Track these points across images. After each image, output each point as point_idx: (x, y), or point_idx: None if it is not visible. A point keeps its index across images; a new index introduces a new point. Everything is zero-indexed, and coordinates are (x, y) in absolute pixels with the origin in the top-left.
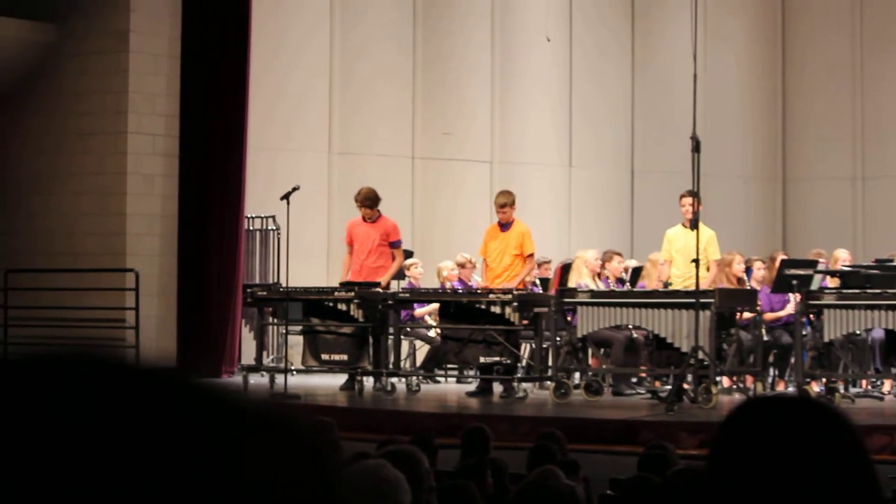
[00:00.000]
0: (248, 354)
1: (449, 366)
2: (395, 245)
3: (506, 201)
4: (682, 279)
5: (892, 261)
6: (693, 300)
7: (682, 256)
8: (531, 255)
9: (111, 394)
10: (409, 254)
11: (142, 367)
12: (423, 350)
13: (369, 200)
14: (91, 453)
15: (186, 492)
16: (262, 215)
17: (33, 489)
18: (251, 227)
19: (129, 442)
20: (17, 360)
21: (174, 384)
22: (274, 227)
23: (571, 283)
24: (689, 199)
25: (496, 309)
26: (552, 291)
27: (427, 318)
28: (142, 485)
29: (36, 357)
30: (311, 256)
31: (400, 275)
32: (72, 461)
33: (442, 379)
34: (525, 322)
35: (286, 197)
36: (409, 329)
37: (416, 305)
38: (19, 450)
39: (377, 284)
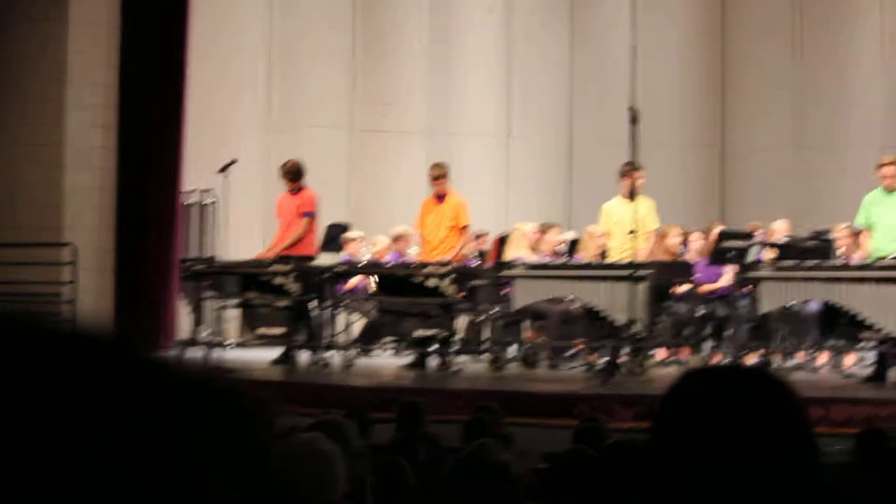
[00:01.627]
0: (184, 328)
1: (385, 339)
2: (304, 215)
3: (439, 173)
4: (620, 251)
5: (829, 232)
6: (629, 272)
7: (621, 229)
8: (466, 227)
9: (40, 356)
10: (344, 228)
11: (77, 333)
12: (358, 324)
13: (290, 174)
14: (23, 413)
15: (116, 458)
16: (200, 189)
17: None
18: (189, 201)
19: (61, 406)
20: None
21: (110, 352)
22: (212, 201)
23: (508, 256)
24: (631, 173)
25: (432, 282)
26: (489, 264)
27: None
28: (70, 447)
29: None
30: (249, 230)
31: (337, 248)
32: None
33: (377, 353)
34: (461, 295)
35: (224, 170)
36: (345, 303)
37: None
38: None
39: (313, 258)
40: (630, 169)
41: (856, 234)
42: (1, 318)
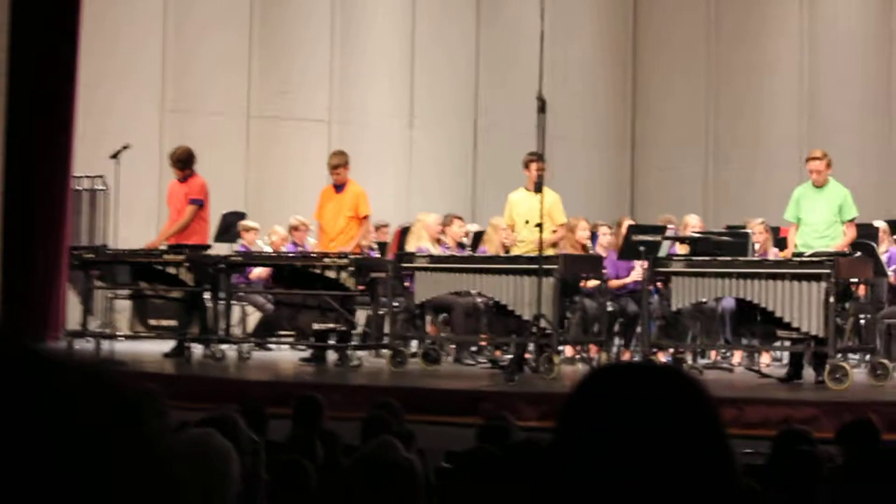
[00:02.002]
0: (73, 319)
1: (282, 332)
2: (192, 202)
3: (339, 162)
4: (525, 244)
5: (744, 228)
6: (535, 266)
7: (525, 221)
8: (366, 217)
9: None
10: (240, 216)
11: None
12: (254, 316)
13: (180, 161)
14: None
15: (3, 453)
16: (91, 175)
17: None
18: (79, 187)
19: None
20: None
21: None
22: (103, 188)
23: (410, 248)
24: (536, 164)
25: (331, 273)
26: (390, 256)
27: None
28: None
29: None
30: (141, 218)
31: (233, 237)
32: None
33: (274, 346)
34: (361, 287)
35: (115, 156)
36: (240, 294)
37: (248, 269)
38: None
39: (208, 247)
40: (531, 159)
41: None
42: None
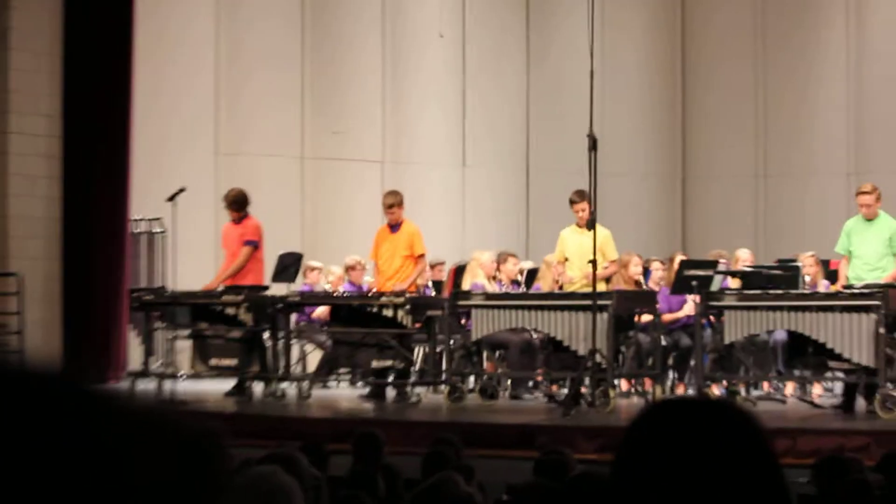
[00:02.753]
0: (135, 360)
1: (341, 370)
2: (247, 244)
3: (393, 202)
4: (579, 280)
5: (795, 261)
6: (590, 302)
7: (578, 258)
8: (422, 256)
9: None
10: (297, 257)
11: (28, 369)
12: (314, 355)
13: (236, 204)
14: None
15: (73, 494)
16: (148, 217)
17: None
18: (137, 230)
19: (13, 444)
20: None
21: (61, 387)
22: (160, 230)
23: (466, 286)
24: (580, 205)
25: (388, 312)
26: (446, 294)
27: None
28: (27, 486)
29: None
30: (199, 259)
31: (290, 277)
32: None
33: (334, 384)
34: (418, 325)
35: (172, 198)
36: (300, 333)
37: (308, 308)
38: None
39: (266, 288)
40: (573, 199)
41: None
42: None
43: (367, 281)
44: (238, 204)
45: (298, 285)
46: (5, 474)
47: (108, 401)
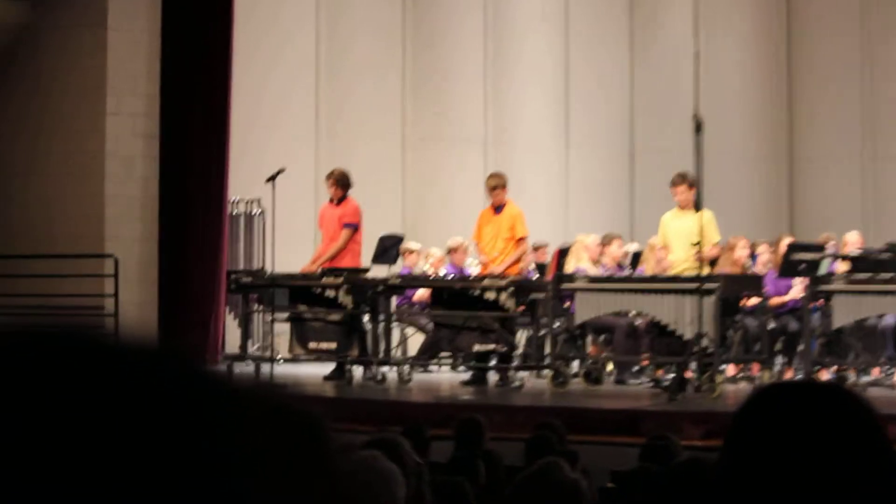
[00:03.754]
0: (232, 343)
1: (442, 354)
2: (346, 226)
3: (496, 184)
4: (681, 263)
5: None
6: (696, 286)
7: (679, 241)
8: (523, 239)
9: (97, 373)
10: (397, 239)
11: (128, 345)
12: (415, 339)
13: (339, 183)
14: (76, 434)
15: (181, 474)
16: (247, 199)
17: (18, 474)
18: (235, 212)
19: (118, 424)
20: None
21: (164, 364)
22: (259, 211)
23: (569, 268)
24: (680, 187)
25: (491, 295)
26: (549, 277)
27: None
28: (133, 468)
29: (20, 331)
30: (298, 241)
31: (390, 260)
32: (57, 444)
33: (435, 368)
34: (521, 309)
35: (272, 179)
36: (401, 316)
37: (409, 291)
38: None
39: (366, 270)
40: (676, 182)
41: None
42: (46, 334)
43: (472, 263)
44: (342, 183)
45: (398, 268)
46: (106, 454)
47: (212, 379)
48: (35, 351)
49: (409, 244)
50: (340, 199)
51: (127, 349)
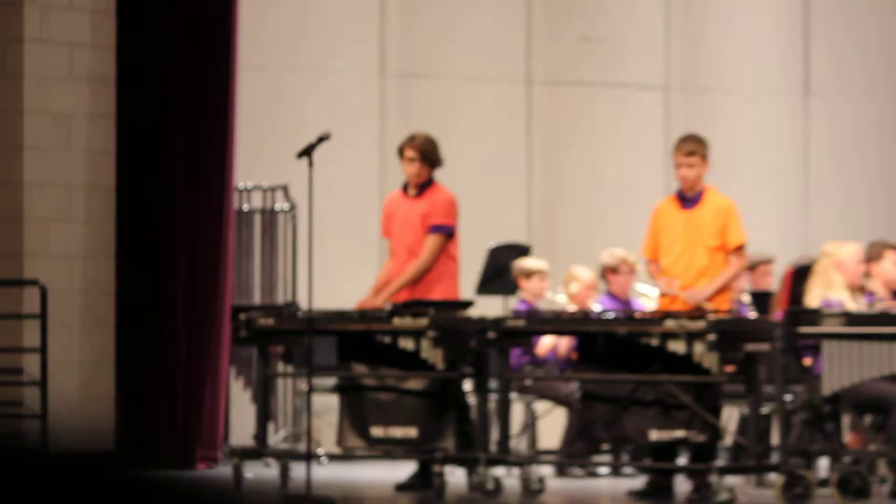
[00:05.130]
0: (242, 428)
1: (597, 447)
2: (435, 230)
3: (693, 150)
4: None
5: None
6: None
7: None
8: (740, 249)
9: None
10: (521, 250)
11: (50, 466)
12: (550, 419)
13: (425, 155)
14: None
15: None
16: (266, 186)
17: None
18: (247, 207)
19: None
20: None
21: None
22: (286, 207)
23: (812, 300)
24: None
25: (679, 346)
26: (778, 314)
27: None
28: None
29: None
30: (353, 255)
31: (508, 287)
32: None
33: (585, 469)
34: (730, 369)
35: (307, 153)
36: (525, 383)
37: (535, 339)
38: None
39: (467, 304)
40: None
41: None
42: None
43: (644, 291)
44: (429, 157)
45: (518, 299)
46: None
47: None
48: None
49: (533, 262)
50: (423, 186)
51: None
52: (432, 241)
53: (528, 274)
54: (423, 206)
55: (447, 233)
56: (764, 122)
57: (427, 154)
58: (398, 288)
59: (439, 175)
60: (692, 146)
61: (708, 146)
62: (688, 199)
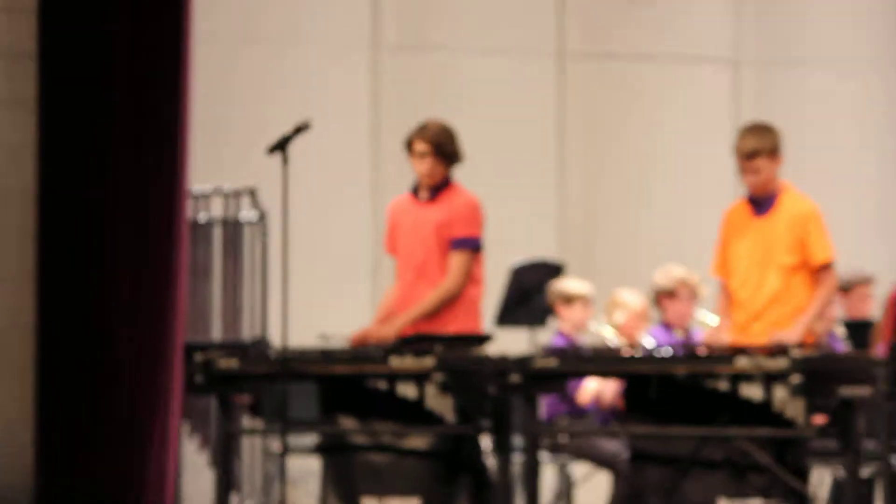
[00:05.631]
0: (197, 499)
1: None
2: (458, 245)
3: (756, 148)
4: None
5: None
6: None
7: None
8: (828, 267)
9: None
10: (552, 270)
11: None
12: (590, 485)
13: (440, 149)
14: None
15: None
16: (228, 190)
17: None
18: (203, 216)
19: None
20: None
21: None
22: (254, 216)
23: None
24: None
25: (754, 391)
26: (881, 349)
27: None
28: None
29: None
30: (339, 277)
31: (536, 316)
32: None
33: None
34: (821, 419)
35: (281, 147)
36: (559, 440)
37: (572, 383)
38: None
39: (485, 339)
40: None
41: None
42: None
43: (707, 320)
44: (445, 151)
45: (553, 332)
46: None
47: None
48: None
49: (575, 284)
50: (438, 189)
51: None
52: (458, 261)
53: (569, 299)
54: (439, 214)
55: (473, 247)
56: (857, 103)
57: (442, 147)
58: (415, 317)
59: None
60: (752, 143)
61: (776, 135)
62: (759, 202)
